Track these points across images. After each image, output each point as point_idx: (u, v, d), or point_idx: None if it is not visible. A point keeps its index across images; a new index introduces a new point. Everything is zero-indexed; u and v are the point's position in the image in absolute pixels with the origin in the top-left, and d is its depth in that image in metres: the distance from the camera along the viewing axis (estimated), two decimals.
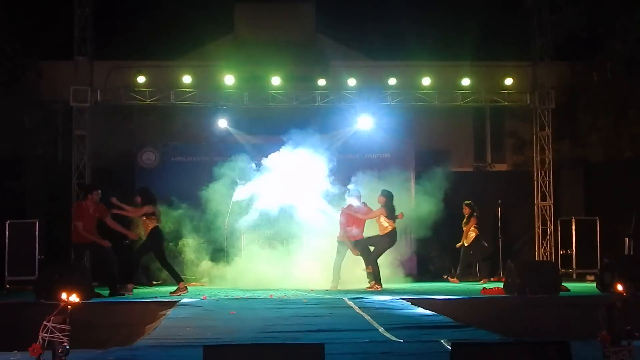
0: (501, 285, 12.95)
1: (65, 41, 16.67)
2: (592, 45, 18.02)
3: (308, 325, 8.58)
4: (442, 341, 7.05)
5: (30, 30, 17.19)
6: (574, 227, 16.87)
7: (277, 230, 15.08)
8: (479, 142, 19.19)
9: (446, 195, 15.43)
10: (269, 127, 16.63)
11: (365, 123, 16.90)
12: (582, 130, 18.52)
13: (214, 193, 14.98)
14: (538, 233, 17.40)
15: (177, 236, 15.26)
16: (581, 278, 16.44)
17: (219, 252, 15.42)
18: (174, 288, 12.97)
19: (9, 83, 16.79)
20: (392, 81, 17.08)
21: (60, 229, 15.72)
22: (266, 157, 14.68)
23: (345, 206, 14.09)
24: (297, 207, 14.56)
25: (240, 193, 14.99)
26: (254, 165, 15.18)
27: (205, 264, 15.09)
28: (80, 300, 7.37)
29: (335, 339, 7.40)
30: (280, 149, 14.50)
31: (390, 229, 13.91)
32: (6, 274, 15.01)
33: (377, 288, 13.52)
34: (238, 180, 15.08)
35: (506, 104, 17.49)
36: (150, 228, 13.01)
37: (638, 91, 17.41)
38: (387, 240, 13.98)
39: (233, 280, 14.41)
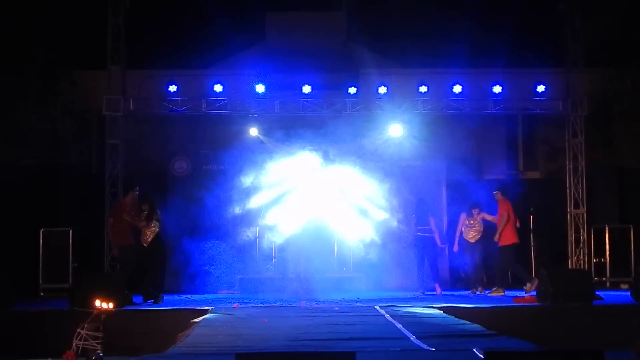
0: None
1: (98, 51, 16.83)
2: (625, 51, 17.83)
3: (339, 334, 8.58)
4: (474, 350, 7.01)
5: (63, 40, 17.36)
6: (607, 235, 16.69)
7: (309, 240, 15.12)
8: (511, 150, 19.05)
9: (478, 203, 15.34)
10: (300, 135, 16.66)
11: (396, 131, 16.87)
12: (616, 138, 18.30)
13: (245, 201, 15.04)
14: (571, 241, 17.23)
15: (208, 243, 15.32)
16: (615, 286, 16.27)
17: (250, 261, 15.44)
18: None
19: (43, 92, 16.97)
20: (423, 89, 17.03)
21: (93, 237, 15.86)
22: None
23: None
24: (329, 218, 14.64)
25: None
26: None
27: (237, 272, 15.12)
28: (113, 307, 7.44)
29: (366, 348, 7.39)
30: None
31: None
32: (40, 281, 15.19)
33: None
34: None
35: (538, 111, 17.37)
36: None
37: None
38: None
39: (265, 288, 14.46)
